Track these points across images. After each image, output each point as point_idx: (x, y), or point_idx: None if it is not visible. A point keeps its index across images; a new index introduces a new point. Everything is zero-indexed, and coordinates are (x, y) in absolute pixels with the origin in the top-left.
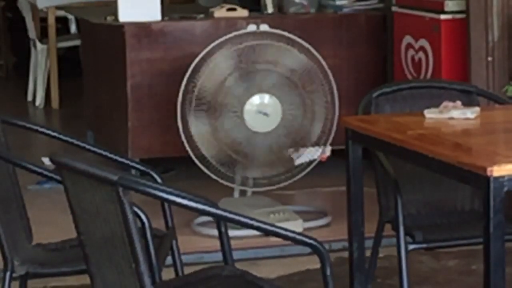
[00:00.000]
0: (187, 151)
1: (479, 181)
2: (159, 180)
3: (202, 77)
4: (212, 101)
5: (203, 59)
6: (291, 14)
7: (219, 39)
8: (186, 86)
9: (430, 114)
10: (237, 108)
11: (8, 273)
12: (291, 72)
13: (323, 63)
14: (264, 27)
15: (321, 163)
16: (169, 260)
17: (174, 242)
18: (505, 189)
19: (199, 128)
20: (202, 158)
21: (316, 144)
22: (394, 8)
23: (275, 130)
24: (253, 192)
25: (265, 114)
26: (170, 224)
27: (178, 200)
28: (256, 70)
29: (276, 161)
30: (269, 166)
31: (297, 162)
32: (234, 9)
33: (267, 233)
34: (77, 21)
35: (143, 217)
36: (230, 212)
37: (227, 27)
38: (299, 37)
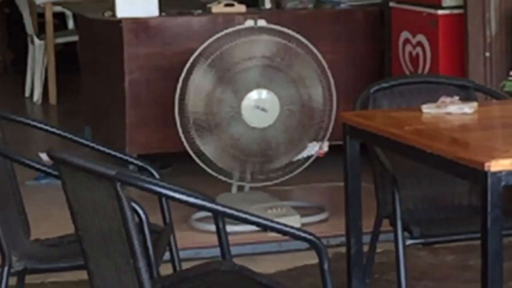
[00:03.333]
0: (184, 147)
1: (477, 176)
2: (156, 175)
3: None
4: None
5: (201, 54)
6: (289, 10)
7: (216, 34)
8: (183, 82)
9: (428, 109)
10: (235, 104)
11: (6, 269)
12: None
13: (321, 58)
14: (262, 23)
15: (318, 159)
16: (167, 255)
17: (172, 237)
18: (503, 183)
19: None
20: (199, 154)
21: (314, 139)
22: (391, 4)
23: (273, 126)
24: (251, 188)
25: (263, 109)
26: (167, 219)
27: (176, 195)
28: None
29: (274, 157)
30: (267, 162)
31: (295, 157)
32: (231, 5)
33: (265, 228)
34: (75, 17)
35: (140, 212)
36: (228, 208)
37: (224, 22)
38: (297, 32)
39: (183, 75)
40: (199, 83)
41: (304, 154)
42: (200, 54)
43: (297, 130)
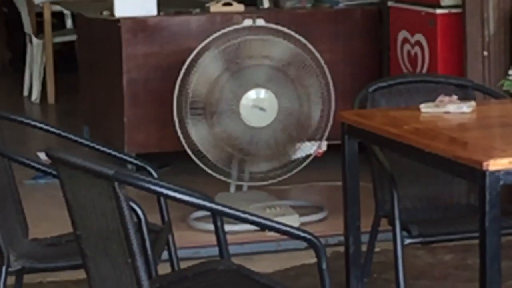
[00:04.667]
0: (183, 146)
1: (475, 175)
2: (155, 175)
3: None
4: (207, 104)
5: (199, 54)
6: (287, 9)
7: (215, 33)
8: (182, 81)
9: (426, 109)
10: (233, 103)
11: (4, 268)
12: (282, 63)
13: (319, 57)
14: (260, 22)
15: (317, 158)
16: (165, 255)
17: (170, 236)
18: (501, 183)
19: (199, 132)
20: (198, 153)
21: (312, 138)
22: (390, 3)
23: (271, 125)
24: (249, 187)
25: (261, 109)
26: (166, 218)
27: (175, 194)
28: (246, 66)
29: (272, 156)
30: (265, 161)
31: (293, 156)
32: (230, 4)
33: (263, 227)
34: (73, 16)
35: (139, 211)
36: (227, 207)
37: (223, 21)
38: (295, 31)
39: (181, 74)
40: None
41: (303, 153)
42: (198, 53)
43: (296, 129)
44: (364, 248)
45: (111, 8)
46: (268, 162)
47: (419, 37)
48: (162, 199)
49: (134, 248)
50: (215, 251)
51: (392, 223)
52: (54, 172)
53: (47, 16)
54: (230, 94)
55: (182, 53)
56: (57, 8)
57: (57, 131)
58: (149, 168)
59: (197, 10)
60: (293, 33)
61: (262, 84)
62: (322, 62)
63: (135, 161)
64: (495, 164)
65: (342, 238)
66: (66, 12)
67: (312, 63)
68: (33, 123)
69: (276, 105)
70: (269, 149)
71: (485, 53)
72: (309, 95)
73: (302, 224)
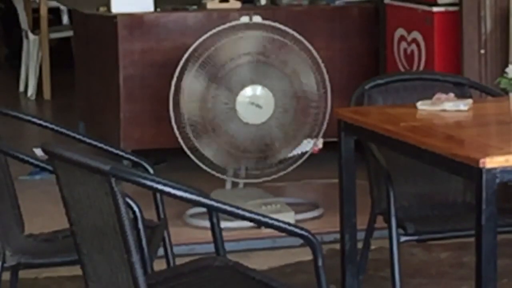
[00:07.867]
0: (179, 143)
1: (472, 172)
2: (151, 171)
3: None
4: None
5: (195, 50)
6: (284, 6)
7: (211, 30)
8: (178, 78)
9: (423, 106)
10: (230, 99)
11: None
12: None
13: (316, 55)
14: (257, 19)
15: (313, 155)
16: (161, 251)
17: (166, 233)
18: (497, 180)
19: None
20: (194, 150)
21: (309, 136)
22: (386, 0)
23: (267, 122)
24: (245, 184)
25: (258, 105)
26: (162, 215)
27: (171, 190)
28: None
29: (269, 153)
30: (262, 158)
31: (289, 154)
32: (226, 1)
33: (259, 224)
34: (69, 12)
35: (135, 207)
36: (223, 203)
37: (219, 18)
38: (292, 28)
39: (177, 71)
40: (191, 87)
41: (299, 150)
42: (194, 50)
43: (292, 126)
44: (360, 245)
45: (107, 4)
46: (265, 159)
47: (415, 35)
48: (158, 195)
49: (130, 244)
50: (211, 247)
51: (388, 221)
52: (50, 168)
53: (43, 12)
54: (225, 92)
55: (178, 49)
56: (53, 4)
57: (53, 127)
58: (145, 164)
59: (194, 6)
60: (289, 30)
61: (257, 81)
62: (319, 59)
63: (131, 157)
64: (491, 162)
65: (338, 236)
66: (62, 8)
67: (308, 60)
68: (29, 118)
69: (272, 102)
70: (265, 146)
71: (482, 51)
72: (305, 92)
73: (298, 221)
